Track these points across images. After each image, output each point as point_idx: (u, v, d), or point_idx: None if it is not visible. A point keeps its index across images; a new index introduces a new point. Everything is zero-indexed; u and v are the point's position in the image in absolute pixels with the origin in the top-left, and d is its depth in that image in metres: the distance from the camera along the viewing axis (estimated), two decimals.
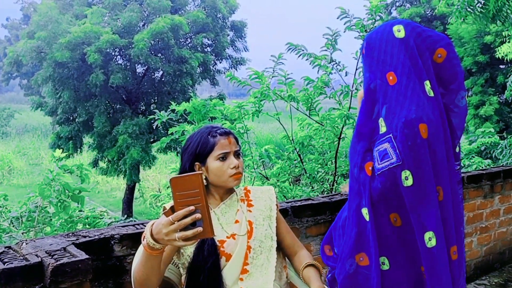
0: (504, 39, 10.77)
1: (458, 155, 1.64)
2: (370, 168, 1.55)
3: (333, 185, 4.20)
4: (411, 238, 1.52)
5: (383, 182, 1.50)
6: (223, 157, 1.71)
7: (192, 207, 1.27)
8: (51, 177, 3.32)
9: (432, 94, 1.50)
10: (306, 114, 4.11)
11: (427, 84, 1.50)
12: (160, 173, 20.19)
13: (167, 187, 6.03)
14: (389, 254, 1.56)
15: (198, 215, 1.27)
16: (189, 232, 1.28)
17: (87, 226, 3.94)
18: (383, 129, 1.51)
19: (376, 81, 1.56)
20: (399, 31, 1.54)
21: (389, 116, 1.50)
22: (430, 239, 1.47)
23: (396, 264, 1.57)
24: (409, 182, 1.46)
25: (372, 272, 1.60)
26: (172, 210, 1.31)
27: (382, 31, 1.59)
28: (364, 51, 1.63)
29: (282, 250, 1.87)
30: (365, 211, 1.59)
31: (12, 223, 3.70)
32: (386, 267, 1.57)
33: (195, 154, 1.72)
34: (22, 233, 3.50)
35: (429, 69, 1.54)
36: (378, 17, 3.88)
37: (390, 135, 1.48)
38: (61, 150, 3.81)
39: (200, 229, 1.28)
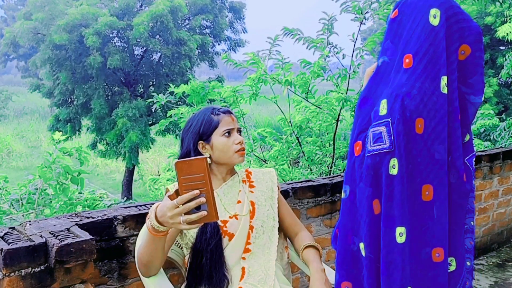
0: (506, 19, 10.69)
1: (468, 146, 1.56)
2: (358, 148, 1.53)
3: (331, 167, 4.21)
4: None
5: (370, 165, 1.47)
6: (228, 133, 1.73)
7: (196, 191, 1.28)
8: (51, 159, 3.32)
9: (445, 91, 1.44)
10: (303, 98, 4.09)
11: (443, 80, 1.44)
12: (159, 155, 20.23)
13: (167, 170, 6.04)
14: (366, 241, 1.51)
15: (202, 199, 1.28)
16: (194, 216, 1.29)
17: (87, 208, 3.96)
18: (383, 111, 1.46)
19: (393, 56, 1.51)
20: (434, 17, 1.46)
21: (392, 99, 1.45)
22: (401, 234, 1.42)
23: (373, 253, 1.50)
24: (395, 171, 1.42)
25: (346, 253, 1.58)
26: (177, 193, 1.32)
27: (419, 9, 1.49)
28: (394, 18, 1.55)
29: (283, 231, 1.89)
30: (345, 188, 1.59)
31: (12, 205, 3.72)
32: (363, 253, 1.52)
33: (198, 133, 1.74)
34: (22, 215, 3.51)
35: (452, 64, 1.48)
36: None
37: (389, 119, 1.44)
38: (60, 132, 3.80)
39: (204, 213, 1.29)
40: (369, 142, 1.48)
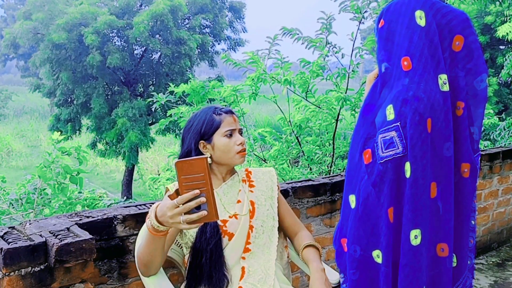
0: (505, 18, 10.68)
1: (474, 146, 1.57)
2: (367, 155, 1.52)
3: (331, 166, 4.21)
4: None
5: (383, 171, 1.46)
6: (230, 134, 1.73)
7: (197, 191, 1.28)
8: (50, 159, 3.32)
9: (444, 89, 1.46)
10: (302, 97, 4.09)
11: (441, 78, 1.46)
12: (159, 155, 20.22)
13: (166, 169, 6.04)
14: (384, 249, 1.51)
15: (203, 199, 1.28)
16: (194, 216, 1.29)
17: (86, 207, 3.95)
18: (391, 116, 1.46)
19: (391, 62, 1.52)
20: (421, 19, 1.48)
21: (399, 104, 1.45)
22: (416, 236, 1.44)
23: (391, 259, 1.51)
24: (408, 174, 1.43)
25: (346, 260, 1.60)
26: (177, 193, 1.32)
27: (403, 13, 1.51)
28: (382, 27, 1.57)
29: (283, 231, 1.89)
30: (352, 198, 1.58)
31: (12, 205, 3.71)
32: (379, 260, 1.53)
33: (200, 133, 1.73)
34: (22, 215, 3.51)
35: (447, 58, 1.49)
36: None
37: (398, 123, 1.44)
38: (59, 132, 3.80)
39: (204, 212, 1.29)
40: (380, 148, 1.47)
